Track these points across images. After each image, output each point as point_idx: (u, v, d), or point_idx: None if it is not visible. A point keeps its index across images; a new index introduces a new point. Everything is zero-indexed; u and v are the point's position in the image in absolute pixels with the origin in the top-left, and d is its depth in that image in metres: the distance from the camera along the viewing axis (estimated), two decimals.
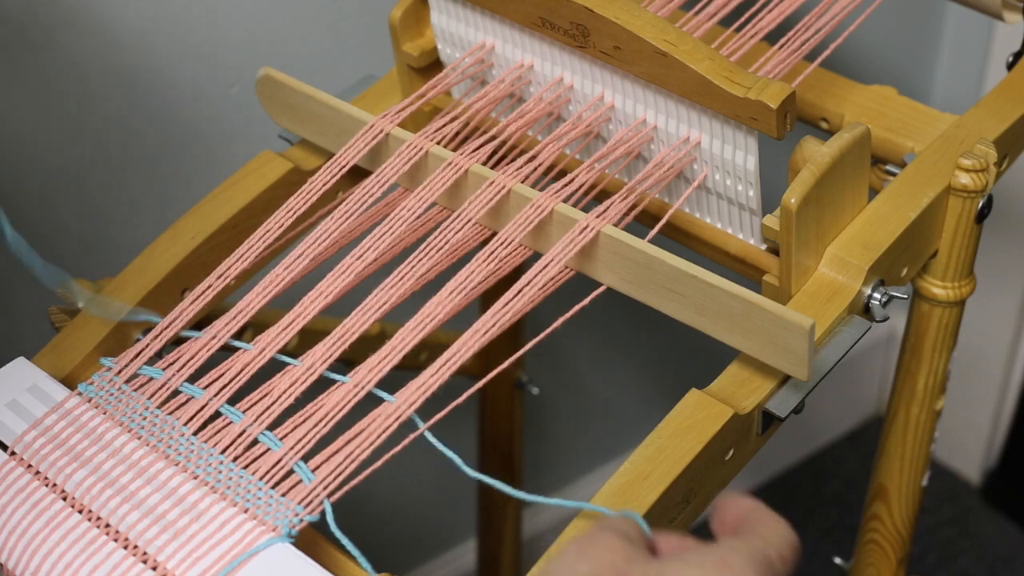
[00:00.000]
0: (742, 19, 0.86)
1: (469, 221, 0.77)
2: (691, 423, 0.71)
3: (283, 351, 0.74)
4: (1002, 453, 1.71)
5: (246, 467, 0.68)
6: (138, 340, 0.77)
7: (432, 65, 0.90)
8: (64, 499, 0.68)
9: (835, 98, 0.89)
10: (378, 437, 0.68)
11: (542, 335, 0.72)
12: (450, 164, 0.79)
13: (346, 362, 0.73)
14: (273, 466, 0.68)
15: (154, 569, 0.64)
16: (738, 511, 0.59)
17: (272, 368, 0.73)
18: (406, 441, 0.68)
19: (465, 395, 0.69)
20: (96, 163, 1.02)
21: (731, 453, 0.73)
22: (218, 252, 0.82)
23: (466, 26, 0.87)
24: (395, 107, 0.83)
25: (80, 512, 0.67)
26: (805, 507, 1.73)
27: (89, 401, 0.72)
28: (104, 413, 0.71)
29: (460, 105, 0.84)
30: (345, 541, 0.65)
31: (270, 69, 0.86)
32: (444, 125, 0.82)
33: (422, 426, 0.68)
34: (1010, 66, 0.91)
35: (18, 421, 0.71)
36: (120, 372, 0.74)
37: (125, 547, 0.65)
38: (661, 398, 1.45)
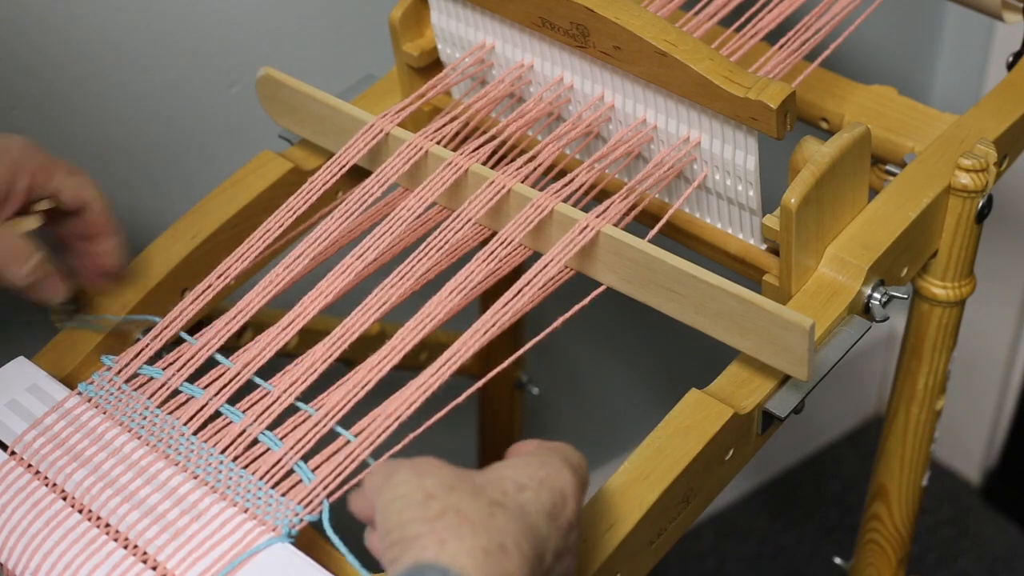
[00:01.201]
0: (742, 19, 0.86)
1: (469, 221, 0.77)
2: (691, 423, 0.71)
3: (283, 351, 0.74)
4: (1002, 453, 1.71)
5: (246, 467, 0.68)
6: (138, 340, 0.77)
7: (432, 65, 0.90)
8: (64, 499, 0.68)
9: (835, 98, 0.89)
10: (378, 437, 0.68)
11: (542, 335, 0.72)
12: (450, 164, 0.79)
13: (346, 362, 0.73)
14: (273, 466, 0.68)
15: (154, 569, 0.64)
16: (528, 447, 0.65)
17: (272, 368, 0.73)
18: (405, 440, 0.68)
19: (465, 394, 0.69)
20: (96, 163, 1.01)
21: (731, 453, 0.73)
22: (218, 252, 0.82)
23: (466, 26, 0.87)
24: (395, 107, 0.83)
25: (80, 512, 0.67)
26: (805, 507, 1.73)
27: (89, 401, 0.72)
28: (104, 413, 0.71)
29: (460, 105, 0.84)
30: (337, 542, 0.65)
31: (270, 69, 0.86)
32: (444, 125, 0.82)
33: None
34: (1010, 66, 0.91)
35: (18, 421, 0.71)
36: (120, 372, 0.74)
37: (125, 547, 0.65)
38: (661, 398, 1.45)
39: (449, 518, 0.57)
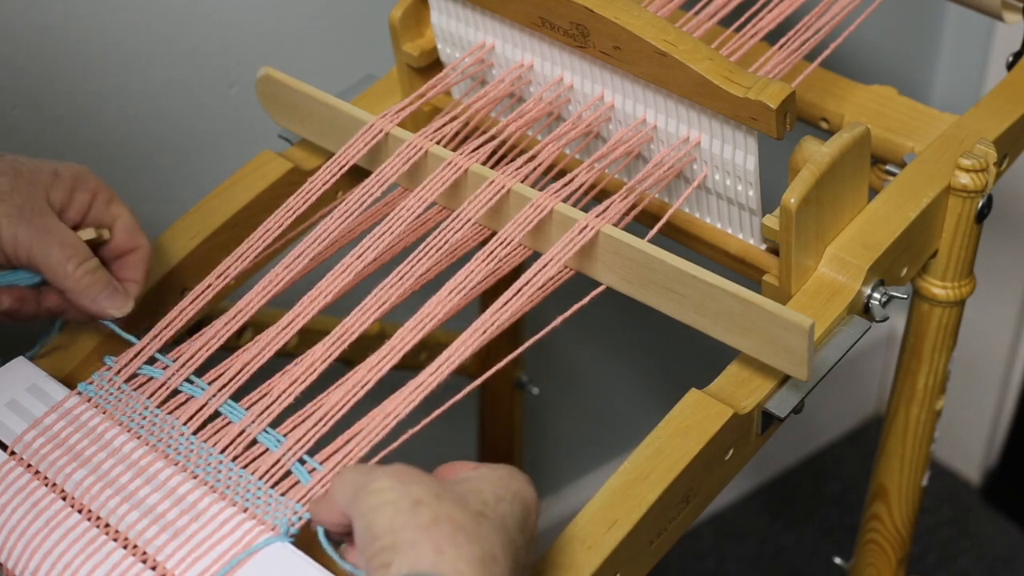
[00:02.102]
0: (742, 19, 0.86)
1: (469, 221, 0.77)
2: (691, 423, 0.71)
3: (283, 351, 0.74)
4: (1002, 453, 1.71)
5: (245, 466, 0.68)
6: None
7: (432, 65, 0.90)
8: (64, 499, 0.68)
9: (835, 98, 0.89)
10: (376, 436, 0.68)
11: (540, 334, 0.72)
12: (450, 164, 0.79)
13: (345, 362, 0.73)
14: (272, 465, 0.68)
15: (153, 568, 0.64)
16: (459, 470, 0.64)
17: (271, 367, 0.73)
18: (404, 437, 0.68)
19: (463, 392, 0.69)
20: (96, 163, 1.01)
21: (731, 453, 0.73)
22: (218, 251, 0.82)
23: (466, 26, 0.87)
24: (395, 107, 0.83)
25: (80, 512, 0.67)
26: (805, 507, 1.73)
27: (89, 401, 0.72)
28: (104, 413, 0.71)
29: (460, 105, 0.84)
30: (327, 546, 0.65)
31: (270, 69, 0.86)
32: (444, 125, 0.82)
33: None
34: (1010, 66, 0.91)
35: (18, 421, 0.71)
36: (120, 371, 0.74)
37: (125, 547, 0.65)
38: (661, 398, 1.45)
39: (443, 525, 0.57)
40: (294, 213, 0.79)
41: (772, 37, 0.85)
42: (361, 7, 1.08)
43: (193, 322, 0.77)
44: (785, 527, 1.71)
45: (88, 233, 0.76)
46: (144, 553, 0.65)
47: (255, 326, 0.79)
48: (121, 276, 0.77)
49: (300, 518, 0.65)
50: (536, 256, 0.76)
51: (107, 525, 0.66)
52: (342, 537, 0.64)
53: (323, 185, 0.80)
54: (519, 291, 0.73)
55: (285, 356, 0.74)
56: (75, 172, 0.75)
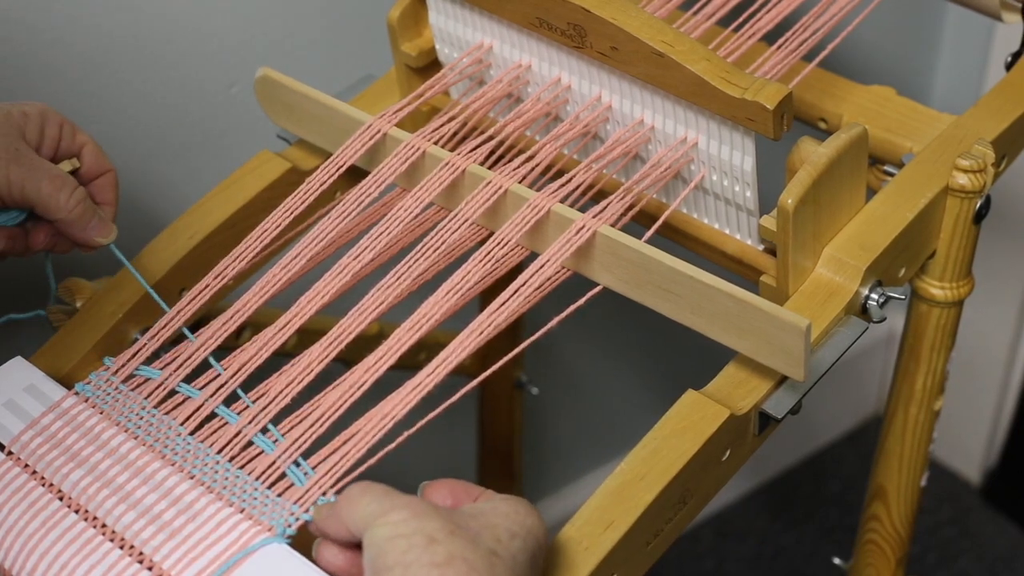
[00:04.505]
0: (740, 19, 0.86)
1: (466, 221, 0.77)
2: (688, 424, 0.71)
3: (280, 351, 0.74)
4: (1002, 453, 1.71)
5: (242, 467, 0.68)
6: (136, 340, 0.77)
7: (430, 65, 0.90)
8: (61, 499, 0.68)
9: (833, 98, 0.89)
10: (373, 437, 0.68)
11: (537, 335, 0.72)
12: (447, 164, 0.79)
13: (343, 362, 0.73)
14: (269, 466, 0.68)
15: (150, 569, 0.64)
16: (451, 489, 0.65)
17: (269, 368, 0.73)
18: (402, 438, 0.68)
19: (460, 393, 0.69)
20: None
21: (728, 454, 0.73)
22: (216, 252, 0.82)
23: (464, 26, 0.87)
24: (393, 107, 0.83)
25: (76, 512, 0.67)
26: (805, 507, 1.73)
27: (86, 401, 0.72)
28: (101, 413, 0.72)
29: (458, 105, 0.84)
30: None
31: (268, 69, 0.86)
32: (442, 125, 0.83)
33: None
34: (1009, 66, 0.91)
35: (15, 421, 0.71)
36: (117, 372, 0.74)
37: (121, 547, 0.65)
38: (660, 398, 1.45)
39: (458, 566, 0.57)
40: (292, 213, 0.79)
41: (770, 37, 0.85)
42: (360, 7, 1.08)
43: (191, 322, 0.77)
44: (785, 527, 1.71)
45: (67, 165, 0.78)
46: (141, 553, 0.65)
47: (253, 326, 0.79)
48: (96, 201, 0.79)
49: (297, 519, 0.66)
50: (534, 256, 0.76)
51: (104, 525, 0.66)
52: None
53: (321, 185, 0.80)
54: (516, 291, 0.73)
55: (283, 356, 0.74)
56: (40, 109, 0.77)
